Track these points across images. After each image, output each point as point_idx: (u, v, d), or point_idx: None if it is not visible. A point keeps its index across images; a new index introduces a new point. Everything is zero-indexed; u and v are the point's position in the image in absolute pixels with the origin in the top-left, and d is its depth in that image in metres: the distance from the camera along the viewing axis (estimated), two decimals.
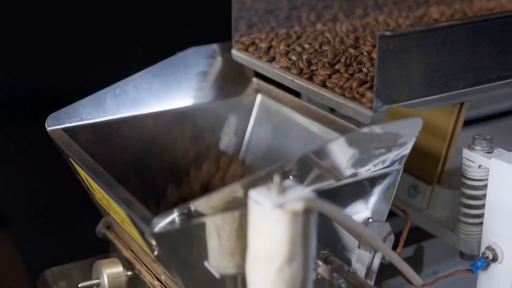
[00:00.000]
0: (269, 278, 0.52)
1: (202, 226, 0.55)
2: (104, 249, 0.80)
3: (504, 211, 0.66)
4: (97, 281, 0.72)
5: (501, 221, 0.66)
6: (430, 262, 0.84)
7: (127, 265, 0.72)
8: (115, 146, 0.75)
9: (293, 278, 0.52)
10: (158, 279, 0.67)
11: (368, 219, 0.64)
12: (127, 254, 0.72)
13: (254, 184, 0.54)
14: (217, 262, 0.58)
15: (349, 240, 0.65)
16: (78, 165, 0.65)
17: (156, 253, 0.61)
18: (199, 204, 0.53)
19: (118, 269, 0.71)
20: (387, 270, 0.82)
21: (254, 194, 0.52)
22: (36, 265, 0.87)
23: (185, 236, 0.54)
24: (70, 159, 0.67)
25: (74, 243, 0.99)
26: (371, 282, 0.66)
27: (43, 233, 1.07)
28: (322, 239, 0.62)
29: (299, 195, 0.51)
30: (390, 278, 0.83)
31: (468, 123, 0.97)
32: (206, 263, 0.58)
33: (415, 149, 0.78)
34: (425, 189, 0.78)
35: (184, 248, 0.55)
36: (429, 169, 0.78)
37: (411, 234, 0.85)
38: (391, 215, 0.73)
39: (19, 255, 0.97)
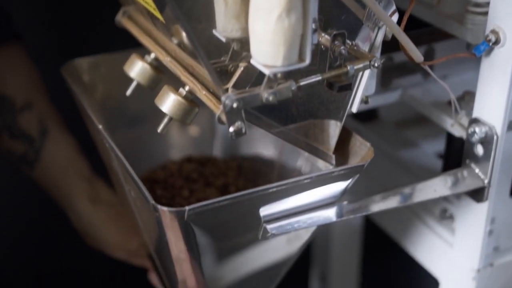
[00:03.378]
0: (270, 27, 0.54)
1: None
2: None
3: None
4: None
5: (506, 5, 0.68)
6: (439, 65, 0.86)
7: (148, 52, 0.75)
8: None
9: (292, 31, 0.55)
10: (171, 56, 0.70)
11: None
12: (143, 39, 0.76)
13: None
14: (223, 25, 0.60)
15: (354, 21, 0.66)
16: None
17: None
18: None
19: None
20: (395, 70, 0.85)
21: None
22: None
23: None
24: None
25: None
26: None
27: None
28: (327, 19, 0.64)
29: None
30: (398, 78, 0.85)
31: None
32: (213, 30, 0.61)
33: None
34: None
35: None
36: None
37: (422, 35, 0.87)
38: None
39: (33, 68, 0.97)
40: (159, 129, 0.69)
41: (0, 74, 0.93)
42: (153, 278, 0.98)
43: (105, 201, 0.97)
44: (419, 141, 1.00)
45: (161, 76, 0.76)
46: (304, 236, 0.78)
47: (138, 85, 0.77)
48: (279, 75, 0.57)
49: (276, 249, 0.78)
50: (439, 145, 1.00)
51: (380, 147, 0.96)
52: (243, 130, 0.59)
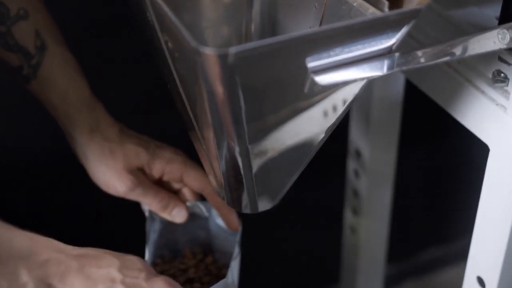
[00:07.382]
0: None
1: None
2: None
3: None
4: None
5: None
6: None
7: None
8: None
9: None
10: None
11: None
12: None
13: None
14: None
15: None
16: None
17: None
18: None
19: None
20: None
21: None
22: None
23: None
24: None
25: None
26: None
27: None
28: None
29: None
30: None
31: None
32: None
33: None
34: None
35: None
36: None
37: None
38: None
39: None
40: None
41: None
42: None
43: (103, 132, 0.92)
44: (475, 4, 0.93)
45: None
46: (340, 108, 0.73)
47: None
48: None
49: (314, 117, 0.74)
50: (497, 10, 0.93)
51: (432, 8, 0.89)
52: None
